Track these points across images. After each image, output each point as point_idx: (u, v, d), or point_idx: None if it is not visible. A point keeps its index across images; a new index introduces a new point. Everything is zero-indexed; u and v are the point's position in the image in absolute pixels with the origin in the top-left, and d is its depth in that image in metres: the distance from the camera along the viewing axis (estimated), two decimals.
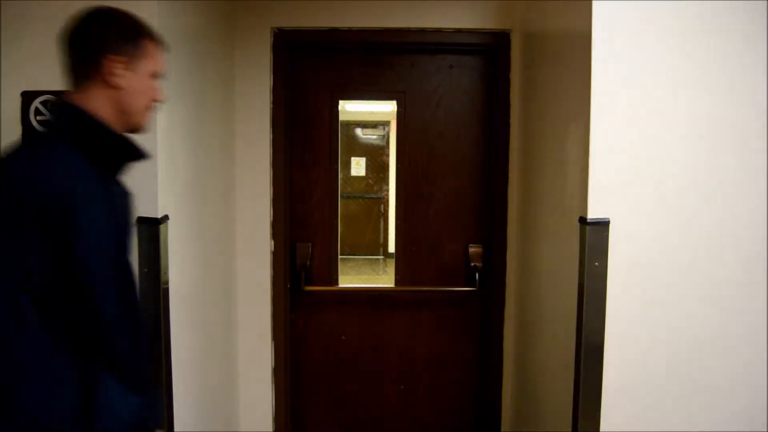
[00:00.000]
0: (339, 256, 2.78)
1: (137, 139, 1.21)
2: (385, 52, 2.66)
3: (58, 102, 1.22)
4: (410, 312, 2.78)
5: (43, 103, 1.55)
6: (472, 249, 2.71)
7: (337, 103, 2.68)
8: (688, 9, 1.56)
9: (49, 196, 0.98)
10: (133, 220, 1.37)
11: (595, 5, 1.53)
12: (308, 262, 2.73)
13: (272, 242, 2.57)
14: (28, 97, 1.56)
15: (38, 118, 1.55)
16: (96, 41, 1.13)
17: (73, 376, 0.98)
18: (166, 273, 1.62)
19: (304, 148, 2.69)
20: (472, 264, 2.71)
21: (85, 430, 0.97)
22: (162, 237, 1.59)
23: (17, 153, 1.07)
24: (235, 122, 2.46)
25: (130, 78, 1.14)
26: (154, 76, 1.20)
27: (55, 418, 0.94)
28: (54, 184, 1.00)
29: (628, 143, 1.57)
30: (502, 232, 2.61)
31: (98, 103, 1.13)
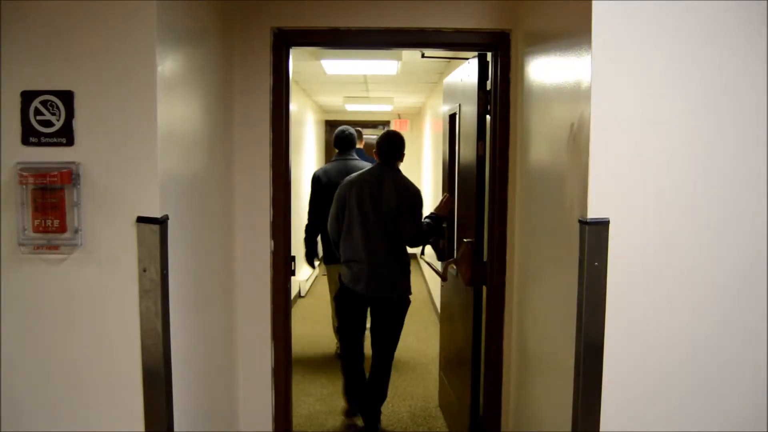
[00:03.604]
0: None
1: None
2: None
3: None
4: None
5: (43, 103, 1.54)
6: None
7: None
8: (688, 9, 1.56)
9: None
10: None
11: (595, 5, 1.53)
12: None
13: (272, 242, 2.57)
14: (28, 97, 1.55)
15: (38, 117, 1.55)
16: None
17: None
18: (166, 273, 1.62)
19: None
20: None
21: None
22: (162, 237, 1.59)
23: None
24: (235, 122, 2.46)
25: None
26: None
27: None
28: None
29: (628, 143, 1.57)
30: (503, 232, 2.60)
31: None
